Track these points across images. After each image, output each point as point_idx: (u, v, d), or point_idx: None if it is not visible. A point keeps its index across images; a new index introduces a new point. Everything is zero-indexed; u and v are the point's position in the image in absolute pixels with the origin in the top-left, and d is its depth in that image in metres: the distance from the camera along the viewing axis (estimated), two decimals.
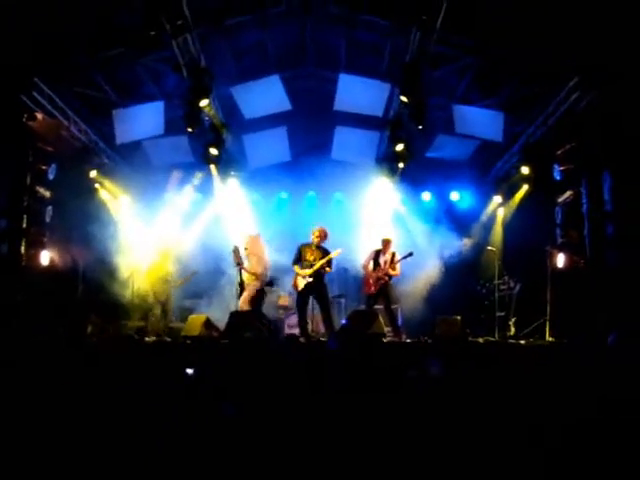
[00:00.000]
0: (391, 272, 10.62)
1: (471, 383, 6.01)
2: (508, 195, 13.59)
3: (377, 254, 10.81)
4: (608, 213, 9.61)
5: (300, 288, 9.99)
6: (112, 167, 13.58)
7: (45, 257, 10.74)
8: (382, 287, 10.60)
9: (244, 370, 6.34)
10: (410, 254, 10.73)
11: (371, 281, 10.71)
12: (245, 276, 10.72)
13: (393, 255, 10.70)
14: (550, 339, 9.74)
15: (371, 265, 10.79)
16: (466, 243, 13.68)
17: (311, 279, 9.89)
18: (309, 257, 10.01)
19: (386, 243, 10.89)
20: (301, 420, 5.01)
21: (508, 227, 13.55)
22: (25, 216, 10.40)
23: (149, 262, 11.86)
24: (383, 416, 5.18)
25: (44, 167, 10.97)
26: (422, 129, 11.33)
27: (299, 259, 10.13)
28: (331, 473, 4.34)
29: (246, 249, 10.82)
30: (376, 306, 10.76)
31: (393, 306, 10.91)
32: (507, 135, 12.09)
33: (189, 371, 6.17)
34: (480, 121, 11.92)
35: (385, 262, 10.66)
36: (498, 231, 13.78)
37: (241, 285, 10.68)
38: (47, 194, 11.05)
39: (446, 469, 4.43)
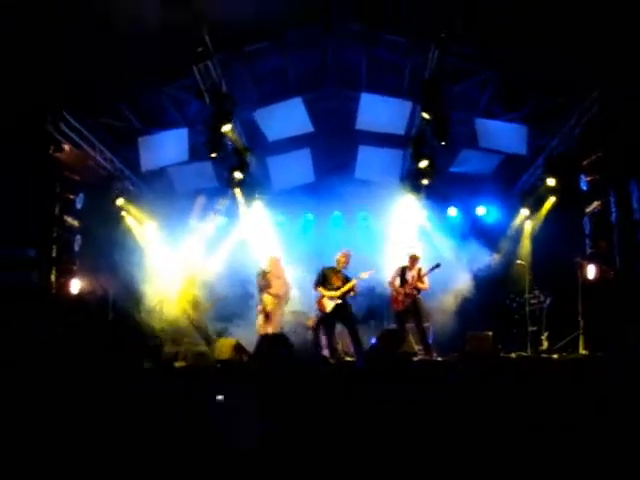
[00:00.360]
0: (420, 285, 10.57)
1: (505, 400, 5.95)
2: (535, 208, 13.41)
3: (403, 270, 10.77)
4: (638, 222, 9.50)
5: (328, 310, 9.99)
6: (138, 194, 13.75)
7: (75, 285, 10.91)
8: (411, 303, 10.55)
9: (274, 392, 6.34)
10: (437, 265, 10.66)
11: (399, 298, 10.65)
12: (267, 300, 10.76)
13: (419, 271, 10.66)
14: (584, 352, 9.62)
15: (398, 281, 10.74)
16: (496, 258, 13.57)
17: (340, 301, 9.92)
18: (334, 281, 10.06)
19: (413, 259, 10.84)
20: (331, 440, 5.00)
21: (536, 240, 13.34)
22: (55, 245, 10.58)
23: (176, 288, 11.90)
24: (414, 435, 5.15)
25: (72, 196, 11.20)
26: (445, 145, 11.30)
27: (322, 282, 10.15)
28: None
29: (269, 272, 10.90)
30: (407, 324, 10.73)
31: (424, 324, 10.83)
32: (531, 148, 12.04)
33: (219, 397, 6.19)
34: (503, 135, 11.92)
35: (412, 277, 10.62)
36: (526, 244, 13.59)
37: (264, 310, 10.73)
38: (75, 223, 11.25)
39: None
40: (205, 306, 11.82)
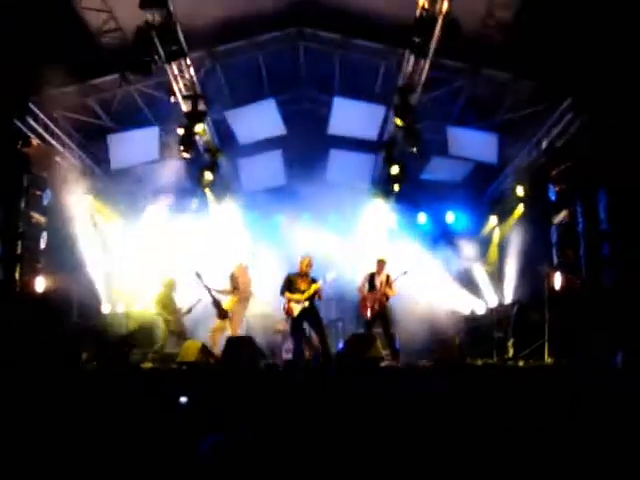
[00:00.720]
0: (389, 292, 10.48)
1: (469, 405, 5.94)
2: (504, 216, 13.57)
3: (372, 276, 10.69)
4: (604, 232, 9.58)
5: (296, 314, 9.90)
6: (107, 192, 13.50)
7: (40, 283, 10.65)
8: (380, 310, 10.48)
9: (241, 396, 6.26)
10: (405, 272, 10.56)
11: (368, 304, 10.58)
12: (232, 300, 10.72)
13: (388, 277, 10.57)
14: (549, 360, 9.67)
15: (366, 288, 10.67)
16: (464, 265, 13.63)
17: (307, 303, 9.82)
18: (301, 286, 9.89)
19: (380, 264, 10.76)
20: (300, 444, 4.93)
21: (504, 248, 13.47)
22: (20, 242, 10.33)
23: (155, 292, 11.62)
24: (381, 439, 5.11)
25: (39, 192, 10.90)
26: (417, 151, 11.34)
27: (288, 287, 10.05)
28: None
29: (238, 277, 10.82)
30: (374, 329, 10.70)
31: (391, 330, 10.79)
32: (501, 156, 12.16)
33: (182, 399, 6.09)
34: (474, 143, 12.04)
35: (381, 283, 10.53)
36: (494, 252, 13.75)
37: (218, 307, 10.67)
38: (42, 219, 10.97)
39: None
40: (182, 311, 11.59)
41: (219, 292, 10.85)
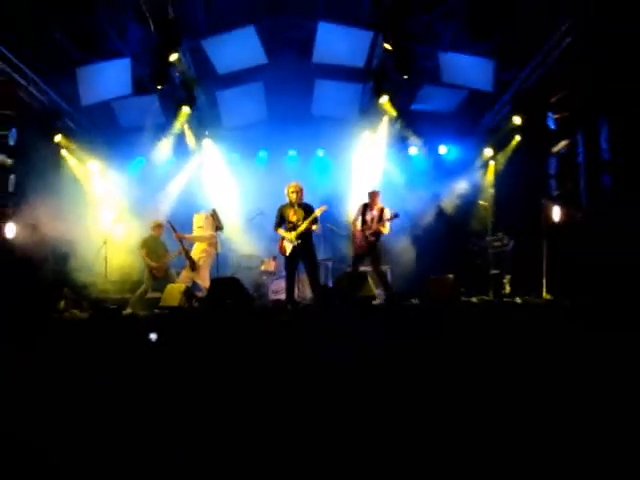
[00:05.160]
0: (381, 229, 10.26)
1: (465, 345, 5.95)
2: (500, 147, 13.40)
3: (364, 209, 10.52)
4: (605, 162, 9.46)
5: (288, 252, 9.71)
6: (78, 130, 13.26)
7: (10, 229, 10.48)
8: (370, 247, 10.34)
9: (228, 340, 6.24)
10: (396, 215, 10.25)
11: (357, 242, 10.51)
12: (197, 251, 10.90)
13: (382, 211, 10.36)
14: (547, 297, 9.73)
15: (359, 222, 10.48)
16: (457, 199, 13.62)
17: (299, 241, 9.54)
18: (292, 218, 9.60)
19: (374, 196, 10.57)
20: (289, 394, 4.89)
21: (500, 180, 13.42)
22: None
23: (144, 237, 11.53)
24: (375, 386, 5.08)
25: (3, 132, 10.64)
26: (408, 78, 11.17)
27: (281, 222, 9.85)
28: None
29: (200, 227, 10.90)
30: (363, 267, 10.70)
31: (383, 267, 10.77)
32: (498, 84, 11.88)
33: (152, 336, 6.03)
34: (469, 69, 11.70)
35: (372, 219, 10.35)
36: (490, 185, 13.68)
37: (190, 257, 10.82)
38: (9, 161, 10.74)
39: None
40: (169, 259, 11.52)
41: (195, 239, 10.96)
